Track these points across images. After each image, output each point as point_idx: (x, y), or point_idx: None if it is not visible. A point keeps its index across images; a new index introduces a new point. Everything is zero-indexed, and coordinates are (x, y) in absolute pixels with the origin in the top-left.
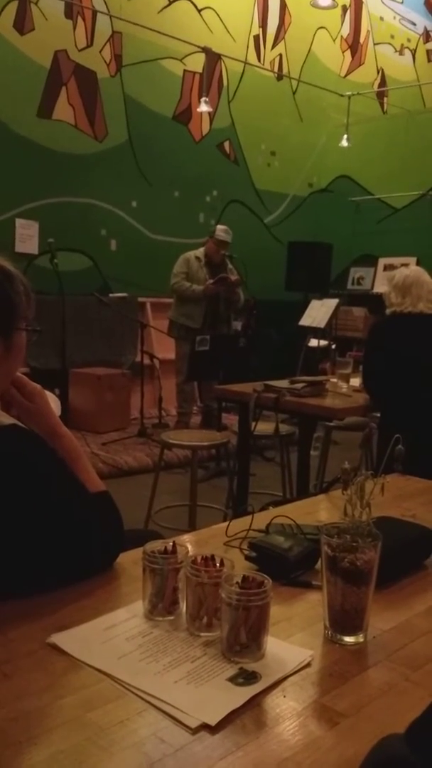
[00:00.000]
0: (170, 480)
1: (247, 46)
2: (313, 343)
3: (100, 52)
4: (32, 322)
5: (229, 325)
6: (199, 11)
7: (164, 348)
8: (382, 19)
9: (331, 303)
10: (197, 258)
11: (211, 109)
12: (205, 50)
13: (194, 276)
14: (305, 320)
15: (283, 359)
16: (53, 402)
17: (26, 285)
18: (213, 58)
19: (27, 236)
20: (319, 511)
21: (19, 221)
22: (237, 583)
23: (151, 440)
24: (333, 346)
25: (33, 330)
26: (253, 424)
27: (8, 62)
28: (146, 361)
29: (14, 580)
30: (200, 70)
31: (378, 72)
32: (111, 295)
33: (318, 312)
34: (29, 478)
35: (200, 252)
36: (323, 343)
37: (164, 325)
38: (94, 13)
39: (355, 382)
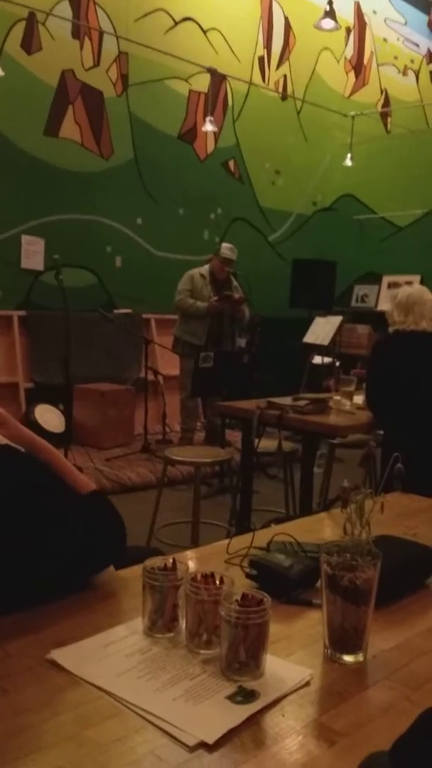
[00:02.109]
0: (173, 496)
1: (252, 67)
2: (317, 360)
3: (107, 71)
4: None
5: (233, 342)
6: (205, 32)
7: (168, 364)
8: (385, 40)
9: (335, 320)
10: (202, 275)
11: (216, 129)
12: (210, 71)
13: (198, 293)
14: (309, 337)
15: (287, 376)
16: (57, 418)
17: None
18: (218, 78)
19: (33, 252)
20: (321, 528)
21: (25, 237)
22: (236, 600)
23: (155, 456)
24: (337, 364)
25: None
26: (257, 440)
27: (16, 81)
28: (150, 377)
29: (23, 592)
30: (205, 90)
31: (382, 92)
32: (115, 311)
33: (322, 329)
34: (29, 496)
35: (205, 270)
36: (327, 360)
37: (168, 342)
38: (101, 33)
39: (359, 399)
